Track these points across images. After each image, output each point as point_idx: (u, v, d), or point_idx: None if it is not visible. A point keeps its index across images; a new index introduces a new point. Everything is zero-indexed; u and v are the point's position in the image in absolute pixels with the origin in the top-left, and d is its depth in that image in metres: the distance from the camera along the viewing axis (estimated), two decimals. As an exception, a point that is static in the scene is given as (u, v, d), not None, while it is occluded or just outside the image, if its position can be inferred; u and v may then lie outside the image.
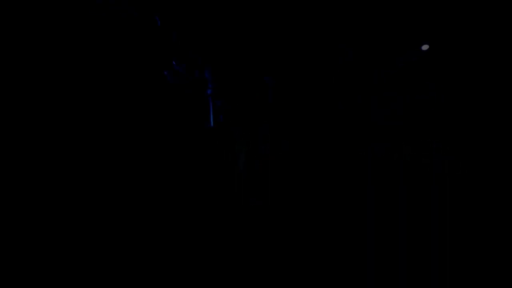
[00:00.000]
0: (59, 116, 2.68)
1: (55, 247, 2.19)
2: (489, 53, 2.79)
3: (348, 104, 2.82)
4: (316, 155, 2.74)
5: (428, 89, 2.83)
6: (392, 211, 2.51)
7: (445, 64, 2.88)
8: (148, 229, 2.36)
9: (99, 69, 2.79)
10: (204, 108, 2.51)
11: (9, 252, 2.14)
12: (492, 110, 2.73)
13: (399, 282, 1.85)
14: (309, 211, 2.54)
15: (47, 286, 1.90)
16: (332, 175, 2.71)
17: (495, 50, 2.77)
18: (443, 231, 2.27)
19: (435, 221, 2.36)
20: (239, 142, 2.61)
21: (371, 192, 2.65)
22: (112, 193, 2.60)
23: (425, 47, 2.32)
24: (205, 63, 2.58)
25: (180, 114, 2.79)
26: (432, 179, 2.69)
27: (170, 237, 2.29)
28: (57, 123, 2.67)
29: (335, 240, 2.23)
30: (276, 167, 2.67)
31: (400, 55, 2.87)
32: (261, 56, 2.90)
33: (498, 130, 2.68)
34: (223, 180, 2.64)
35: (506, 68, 2.74)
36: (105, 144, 2.70)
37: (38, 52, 2.66)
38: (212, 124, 2.34)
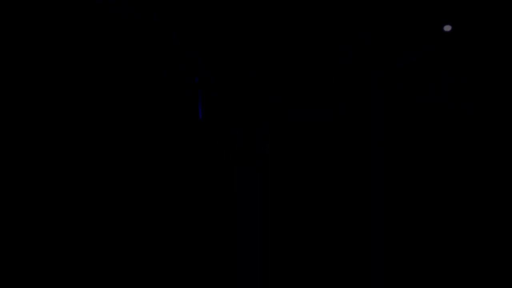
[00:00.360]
0: (58, 115, 2.68)
1: (52, 246, 2.19)
2: (488, 53, 2.79)
3: (348, 104, 2.82)
4: (316, 155, 2.74)
5: (428, 89, 2.83)
6: (393, 211, 2.52)
7: (446, 64, 2.88)
8: (143, 230, 2.36)
9: (99, 69, 2.79)
10: (194, 96, 2.46)
11: (8, 252, 2.14)
12: (492, 109, 2.73)
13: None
14: (309, 211, 2.54)
15: (47, 286, 1.91)
16: (333, 175, 2.71)
17: (494, 50, 2.77)
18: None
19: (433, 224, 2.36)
20: (239, 142, 2.61)
21: (376, 192, 2.65)
22: (102, 194, 2.60)
23: (447, 28, 2.20)
24: (201, 58, 2.55)
25: (178, 114, 2.79)
26: (433, 179, 2.69)
27: (165, 239, 2.29)
28: (56, 122, 2.67)
29: (337, 240, 2.22)
30: (276, 167, 2.67)
31: (400, 55, 2.87)
32: (261, 56, 2.89)
33: (498, 129, 2.68)
34: (223, 180, 2.64)
35: (507, 69, 2.74)
36: (101, 143, 2.70)
37: (38, 52, 2.66)
38: (200, 116, 2.28)
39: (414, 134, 2.75)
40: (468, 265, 1.93)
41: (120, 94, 2.79)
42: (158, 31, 2.84)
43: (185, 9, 2.85)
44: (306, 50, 2.91)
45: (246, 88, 2.82)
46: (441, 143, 2.73)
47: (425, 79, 2.84)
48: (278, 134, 2.73)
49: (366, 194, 2.64)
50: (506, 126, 2.68)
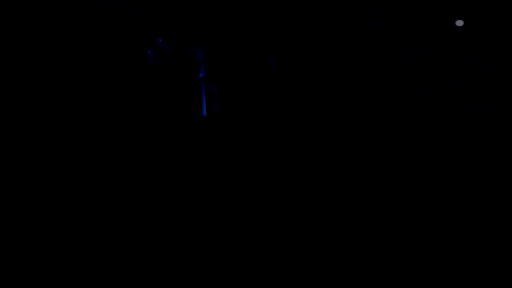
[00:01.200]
0: (57, 115, 2.68)
1: (52, 247, 2.19)
2: (489, 53, 2.79)
3: (348, 104, 2.82)
4: (316, 155, 2.74)
5: (428, 89, 2.83)
6: (393, 211, 2.51)
7: (446, 64, 2.88)
8: (144, 229, 2.37)
9: (99, 69, 2.79)
10: (195, 95, 2.43)
11: (8, 252, 2.14)
12: (490, 107, 2.73)
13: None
14: (309, 211, 2.54)
15: (47, 286, 1.91)
16: (334, 176, 2.71)
17: (494, 50, 2.77)
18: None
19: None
20: (238, 138, 2.61)
21: (376, 191, 2.65)
22: (94, 195, 2.60)
23: (459, 23, 2.18)
24: (196, 41, 2.51)
25: (178, 114, 2.79)
26: (432, 179, 2.69)
27: (164, 238, 2.29)
28: (55, 122, 2.67)
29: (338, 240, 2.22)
30: (276, 167, 2.67)
31: (400, 55, 2.87)
32: (260, 55, 2.90)
33: (497, 130, 2.68)
34: (221, 179, 2.64)
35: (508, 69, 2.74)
36: (100, 145, 2.70)
37: (38, 52, 2.67)
38: (204, 113, 2.25)
39: (414, 134, 2.75)
40: (469, 265, 1.93)
41: (120, 94, 2.80)
42: (158, 31, 2.84)
43: (185, 9, 2.86)
44: (306, 50, 2.91)
45: (245, 87, 2.82)
46: (441, 143, 2.73)
47: (425, 79, 2.84)
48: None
49: (366, 194, 2.63)
50: (506, 126, 2.68)
